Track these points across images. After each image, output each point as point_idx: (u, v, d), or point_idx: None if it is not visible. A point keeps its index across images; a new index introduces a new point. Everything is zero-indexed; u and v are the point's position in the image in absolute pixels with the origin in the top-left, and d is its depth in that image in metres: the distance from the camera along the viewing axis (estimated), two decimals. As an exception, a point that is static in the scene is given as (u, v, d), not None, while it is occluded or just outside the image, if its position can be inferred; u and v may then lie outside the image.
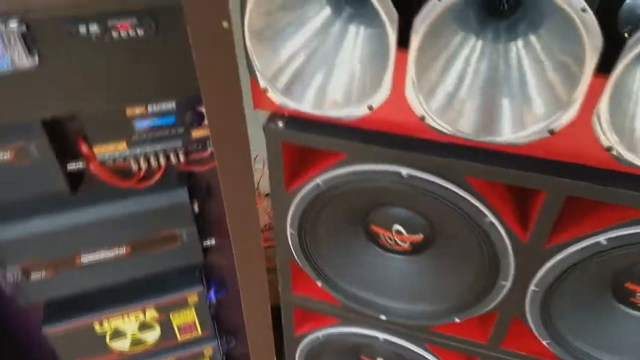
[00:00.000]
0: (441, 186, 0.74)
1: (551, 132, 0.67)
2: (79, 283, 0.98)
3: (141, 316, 1.07)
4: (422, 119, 0.71)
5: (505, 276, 0.81)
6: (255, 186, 0.88)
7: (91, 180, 0.91)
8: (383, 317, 0.96)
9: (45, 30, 0.64)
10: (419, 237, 0.86)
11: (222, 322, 1.25)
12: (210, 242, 1.06)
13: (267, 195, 1.58)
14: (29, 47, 0.64)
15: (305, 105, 0.71)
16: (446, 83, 0.67)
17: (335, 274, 0.94)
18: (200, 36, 0.70)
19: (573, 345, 0.86)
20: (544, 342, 0.87)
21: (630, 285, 0.80)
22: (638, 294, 0.80)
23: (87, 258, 0.96)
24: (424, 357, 1.01)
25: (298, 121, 0.78)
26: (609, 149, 0.66)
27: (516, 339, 0.92)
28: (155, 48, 0.71)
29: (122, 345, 1.10)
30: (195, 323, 1.15)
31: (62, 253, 0.94)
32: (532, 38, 0.67)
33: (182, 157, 0.93)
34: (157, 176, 0.95)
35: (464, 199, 0.74)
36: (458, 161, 0.71)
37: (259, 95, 0.77)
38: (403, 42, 0.66)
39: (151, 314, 1.08)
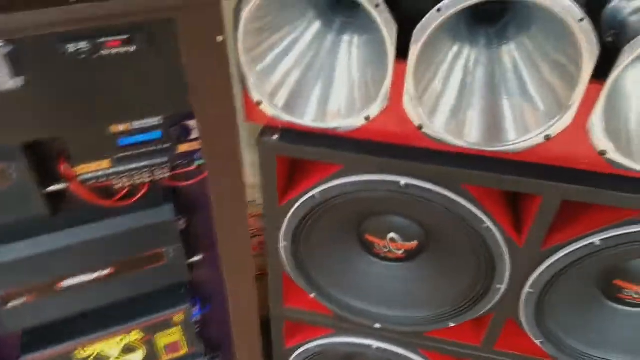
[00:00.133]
0: (439, 194, 0.75)
1: (547, 137, 0.69)
2: (60, 308, 0.95)
3: (125, 339, 1.04)
4: (420, 128, 0.72)
5: (500, 279, 0.83)
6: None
7: (72, 200, 0.88)
8: (378, 326, 0.97)
9: (31, 49, 0.62)
10: (413, 244, 0.88)
11: (206, 337, 1.23)
12: (196, 258, 1.05)
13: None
14: (15, 68, 0.61)
15: (307, 119, 0.71)
16: (447, 95, 0.68)
17: (329, 284, 0.94)
18: (194, 50, 0.69)
19: (565, 343, 0.90)
20: (537, 342, 0.90)
21: (618, 282, 0.84)
22: (626, 290, 0.84)
23: (68, 282, 0.92)
24: (417, 362, 1.03)
25: (292, 133, 0.78)
26: (602, 153, 0.69)
27: (509, 339, 0.95)
28: (146, 64, 0.69)
29: (105, 370, 1.07)
30: (180, 341, 1.12)
31: (41, 278, 0.90)
32: (523, 39, 0.69)
33: (167, 173, 0.91)
34: (141, 193, 0.92)
35: (462, 206, 0.75)
36: (456, 170, 0.73)
37: (251, 107, 0.77)
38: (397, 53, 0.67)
39: (136, 336, 1.05)
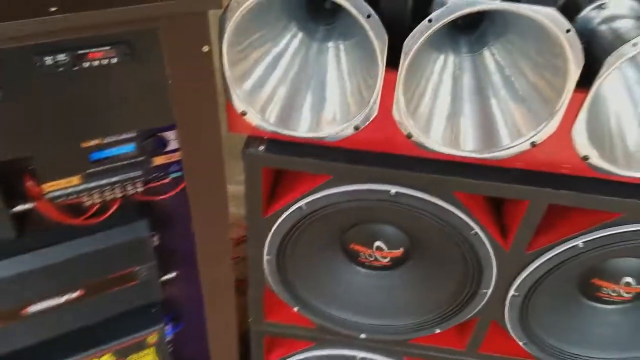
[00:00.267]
0: (430, 202, 0.77)
1: (533, 144, 0.72)
2: (26, 335, 0.90)
3: (96, 364, 1.00)
4: (409, 137, 0.73)
5: (487, 284, 0.86)
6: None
7: (39, 219, 0.84)
8: (363, 336, 0.98)
9: (5, 62, 0.59)
10: (399, 251, 0.89)
11: (179, 357, 1.20)
12: (170, 275, 1.02)
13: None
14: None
15: (301, 131, 0.71)
16: (439, 104, 0.70)
17: (313, 297, 0.94)
18: (179, 60, 0.67)
19: (547, 343, 0.94)
20: (521, 343, 0.94)
21: (596, 282, 0.89)
22: (604, 288, 0.89)
23: (35, 308, 0.88)
24: (401, 370, 1.05)
25: (278, 143, 0.77)
26: (585, 158, 0.73)
27: (492, 342, 0.99)
28: (127, 76, 0.67)
29: (73, 398, 1.02)
30: (153, 363, 1.09)
31: (6, 305, 0.85)
32: (503, 43, 0.72)
33: (140, 187, 0.88)
34: (113, 210, 0.89)
35: (453, 213, 0.77)
36: (447, 177, 0.75)
37: (235, 118, 0.76)
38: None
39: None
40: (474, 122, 0.70)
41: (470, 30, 0.77)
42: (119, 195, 0.87)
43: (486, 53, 0.74)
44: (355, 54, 0.73)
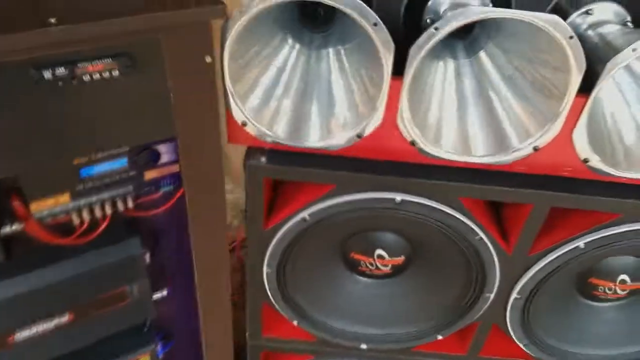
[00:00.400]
0: (436, 209, 0.78)
1: (535, 149, 0.74)
2: (13, 365, 0.87)
3: (86, 390, 0.97)
4: (412, 144, 0.75)
5: (490, 288, 0.88)
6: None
7: (25, 239, 0.81)
8: (364, 347, 0.98)
9: (2, 77, 0.56)
10: (400, 259, 0.90)
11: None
12: (161, 293, 1.00)
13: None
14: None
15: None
16: (446, 112, 0.71)
17: (313, 309, 0.94)
18: (181, 71, 0.66)
19: (546, 343, 0.96)
20: (521, 345, 0.96)
21: (593, 280, 0.92)
22: (600, 286, 0.92)
23: (22, 334, 0.85)
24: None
25: (279, 154, 0.77)
26: (585, 161, 0.75)
27: (493, 345, 1.01)
28: (127, 89, 0.66)
29: None
30: (144, 386, 1.07)
31: (-8, 334, 0.82)
32: (498, 44, 0.74)
33: (131, 203, 0.86)
34: (103, 227, 0.87)
35: (458, 219, 0.79)
36: (454, 184, 0.76)
37: (235, 129, 0.75)
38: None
39: (97, 385, 0.98)
40: (482, 126, 0.72)
41: (465, 35, 0.79)
42: (109, 211, 0.85)
43: (482, 55, 0.76)
44: (356, 56, 0.74)
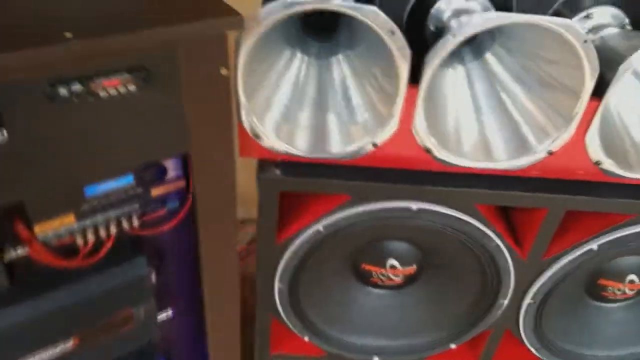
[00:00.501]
0: (452, 216, 0.78)
1: (550, 153, 0.76)
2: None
3: (90, 419, 0.93)
4: (427, 151, 0.75)
5: (505, 294, 0.88)
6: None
7: (29, 263, 0.78)
8: (376, 359, 0.97)
9: (15, 95, 0.55)
10: (412, 268, 0.90)
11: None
12: (166, 314, 0.98)
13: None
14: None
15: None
16: (464, 118, 0.72)
17: (324, 324, 0.93)
18: (196, 82, 0.65)
19: (558, 346, 0.97)
20: (533, 349, 0.97)
21: (603, 282, 0.93)
22: (610, 287, 0.94)
23: (26, 364, 0.82)
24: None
25: (293, 166, 0.76)
26: (598, 163, 0.77)
27: (504, 351, 1.01)
28: (142, 105, 0.64)
29: None
30: (148, 411, 1.04)
31: (-5, 364, 0.79)
32: (502, 43, 0.75)
33: (136, 221, 0.84)
34: (107, 247, 0.85)
35: (474, 226, 0.79)
36: (470, 190, 0.77)
37: (247, 142, 0.74)
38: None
39: (101, 413, 0.95)
40: (500, 129, 0.72)
41: (471, 39, 0.80)
42: (114, 230, 0.83)
43: (489, 56, 0.77)
44: (366, 58, 0.74)
